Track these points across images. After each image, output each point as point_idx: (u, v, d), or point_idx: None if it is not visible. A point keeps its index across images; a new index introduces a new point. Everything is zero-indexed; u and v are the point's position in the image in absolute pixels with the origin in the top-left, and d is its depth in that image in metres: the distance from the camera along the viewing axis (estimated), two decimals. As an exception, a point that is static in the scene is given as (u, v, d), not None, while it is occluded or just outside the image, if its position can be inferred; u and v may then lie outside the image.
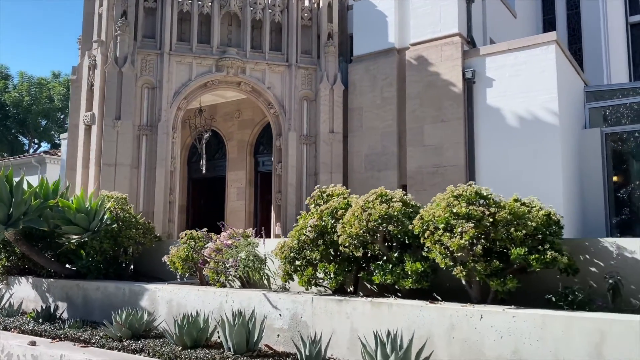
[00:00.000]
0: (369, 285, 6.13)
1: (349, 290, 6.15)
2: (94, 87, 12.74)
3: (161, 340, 6.06)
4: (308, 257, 5.90)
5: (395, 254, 5.44)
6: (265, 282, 6.82)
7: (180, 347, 5.61)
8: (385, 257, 5.55)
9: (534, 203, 5.13)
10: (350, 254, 5.58)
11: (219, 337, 5.70)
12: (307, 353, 4.89)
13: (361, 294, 6.05)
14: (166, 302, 6.79)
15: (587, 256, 5.14)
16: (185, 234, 7.54)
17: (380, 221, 5.31)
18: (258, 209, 16.22)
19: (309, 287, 5.94)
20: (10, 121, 34.29)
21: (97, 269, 8.32)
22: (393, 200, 5.45)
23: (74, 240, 8.22)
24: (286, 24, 13.93)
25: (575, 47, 18.81)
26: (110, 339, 6.20)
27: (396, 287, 5.53)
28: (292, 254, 5.99)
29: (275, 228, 13.39)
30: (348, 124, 13.90)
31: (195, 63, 13.20)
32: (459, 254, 4.82)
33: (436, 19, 12.98)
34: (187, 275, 7.67)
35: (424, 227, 5.04)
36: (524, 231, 4.74)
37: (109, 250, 8.34)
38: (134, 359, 5.61)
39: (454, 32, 12.67)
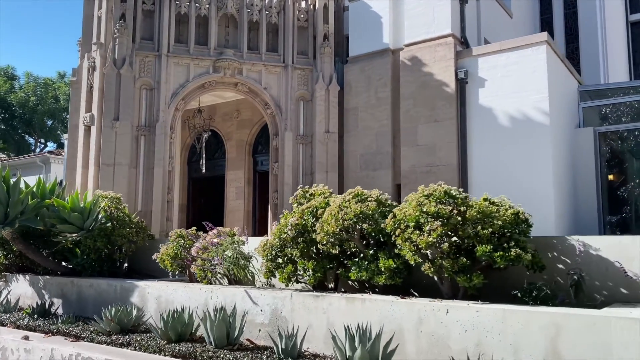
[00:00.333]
0: (350, 282, 6.32)
1: (330, 286, 6.35)
2: (93, 89, 12.99)
3: (148, 334, 6.29)
4: (289, 255, 6.11)
5: (371, 252, 5.63)
6: (251, 279, 7.03)
7: (165, 341, 5.82)
8: (362, 255, 5.74)
9: (504, 202, 5.30)
10: (328, 251, 5.78)
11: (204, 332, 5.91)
12: (284, 346, 5.09)
13: (343, 290, 6.25)
14: (155, 298, 7.01)
15: (555, 253, 5.32)
16: (175, 233, 7.76)
17: (355, 220, 5.50)
18: (256, 208, 16.44)
19: (289, 284, 6.15)
20: (16, 121, 34.71)
21: (92, 266, 8.56)
22: (368, 199, 5.64)
23: (70, 239, 8.45)
24: (282, 25, 14.13)
25: (572, 47, 18.91)
26: (100, 334, 6.43)
27: (372, 283, 5.72)
28: (273, 252, 6.20)
29: (272, 227, 13.51)
30: (344, 124, 14.08)
31: (193, 64, 13.42)
32: (428, 251, 5.01)
33: (430, 20, 13.14)
34: (177, 273, 7.89)
35: (396, 225, 5.23)
36: (490, 229, 4.93)
37: (102, 249, 8.58)
38: (121, 352, 5.83)
39: (447, 32, 12.82)
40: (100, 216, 8.54)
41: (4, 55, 73.67)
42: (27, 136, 36.79)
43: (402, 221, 5.20)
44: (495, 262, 4.84)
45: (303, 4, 14.42)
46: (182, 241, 7.56)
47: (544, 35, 11.89)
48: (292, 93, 13.94)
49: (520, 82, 11.83)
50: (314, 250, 6.19)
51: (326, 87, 13.94)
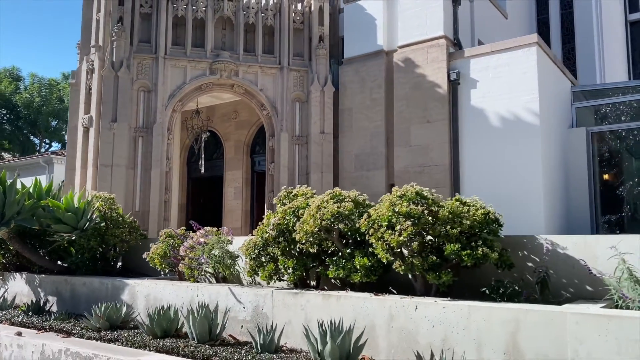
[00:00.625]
0: (332, 280, 6.51)
1: (312, 284, 6.54)
2: (91, 91, 13.26)
3: (136, 330, 6.49)
4: (271, 254, 6.31)
5: (348, 250, 5.82)
6: (237, 277, 7.23)
7: (151, 337, 6.03)
8: (340, 253, 5.93)
9: (475, 203, 5.48)
10: (307, 250, 5.97)
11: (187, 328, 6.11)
12: (262, 342, 5.29)
13: (325, 287, 6.44)
14: (144, 296, 7.22)
15: (525, 252, 5.49)
16: (165, 233, 7.98)
17: (332, 220, 5.69)
18: (254, 207, 16.65)
19: (270, 282, 6.35)
20: (21, 122, 35.11)
21: (86, 265, 8.79)
22: (345, 200, 5.83)
23: (66, 238, 8.68)
24: (278, 27, 14.34)
25: (569, 47, 19.02)
26: (90, 330, 6.64)
27: (348, 281, 5.91)
28: (256, 251, 6.39)
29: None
30: (339, 124, 14.28)
31: (190, 66, 13.66)
32: (403, 250, 5.20)
33: (422, 22, 13.31)
34: (167, 272, 8.10)
35: (370, 224, 5.41)
36: (459, 229, 5.10)
37: (96, 248, 8.80)
38: (108, 347, 6.04)
39: (440, 34, 13.00)
40: (94, 216, 8.76)
41: (10, 57, 74.35)
42: (32, 137, 37.21)
43: (376, 221, 5.39)
44: (463, 260, 5.02)
45: (299, 6, 14.62)
46: (172, 240, 7.78)
47: (535, 36, 12.04)
48: (288, 94, 14.14)
49: (511, 83, 11.99)
50: (297, 249, 6.38)
51: (321, 88, 14.14)
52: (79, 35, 14.13)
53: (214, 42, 13.90)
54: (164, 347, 5.68)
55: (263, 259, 6.42)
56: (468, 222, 5.12)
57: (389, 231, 5.20)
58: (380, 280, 6.03)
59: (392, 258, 5.28)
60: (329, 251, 6.16)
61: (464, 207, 5.32)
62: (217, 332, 5.80)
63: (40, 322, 7.28)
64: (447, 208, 5.29)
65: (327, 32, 14.57)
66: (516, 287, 5.18)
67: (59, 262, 9.39)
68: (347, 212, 5.70)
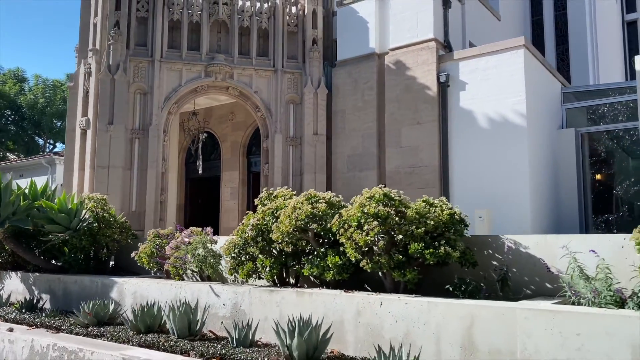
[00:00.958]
0: (312, 278, 6.75)
1: (291, 282, 6.79)
2: (89, 94, 13.53)
3: (121, 326, 6.76)
4: (250, 253, 6.56)
5: (322, 249, 6.06)
6: (221, 276, 7.49)
7: (135, 332, 6.30)
8: (315, 252, 6.18)
9: (443, 204, 5.71)
10: (283, 249, 6.22)
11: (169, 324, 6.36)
12: (237, 337, 5.54)
13: (305, 285, 6.69)
14: (132, 293, 7.49)
15: (490, 251, 5.72)
16: (152, 233, 8.25)
17: (306, 220, 5.93)
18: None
19: (249, 280, 6.61)
20: (26, 123, 35.50)
21: (79, 264, 9.07)
22: (319, 201, 6.07)
23: (61, 237, 8.96)
24: (272, 30, 14.58)
25: (562, 48, 19.18)
26: (79, 326, 6.91)
27: (326, 278, 6.15)
28: (236, 250, 6.65)
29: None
30: (332, 126, 14.51)
31: (185, 69, 13.92)
32: (367, 249, 5.43)
33: (413, 25, 13.52)
34: (156, 270, 8.37)
35: (341, 225, 5.65)
36: (424, 228, 5.34)
37: (88, 247, 9.08)
38: (94, 342, 6.30)
39: (430, 37, 13.21)
40: (86, 217, 9.03)
41: (14, 59, 74.99)
42: (36, 137, 37.62)
43: (346, 221, 5.63)
44: (426, 259, 5.25)
45: (293, 9, 14.86)
46: (159, 240, 8.05)
47: (522, 39, 12.23)
48: (282, 96, 14.38)
49: (499, 85, 12.18)
50: (276, 249, 6.63)
51: (315, 90, 14.37)
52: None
53: (209, 45, 14.15)
54: (145, 342, 5.93)
55: (243, 258, 6.67)
56: (432, 222, 5.35)
57: (358, 231, 5.44)
58: (357, 279, 6.28)
59: (360, 256, 5.52)
60: (307, 250, 6.41)
61: (431, 208, 5.55)
62: (197, 328, 6.06)
63: (32, 318, 7.55)
64: (414, 209, 5.52)
65: (321, 35, 14.80)
66: (481, 284, 5.42)
67: (53, 261, 9.68)
68: (320, 213, 5.94)
